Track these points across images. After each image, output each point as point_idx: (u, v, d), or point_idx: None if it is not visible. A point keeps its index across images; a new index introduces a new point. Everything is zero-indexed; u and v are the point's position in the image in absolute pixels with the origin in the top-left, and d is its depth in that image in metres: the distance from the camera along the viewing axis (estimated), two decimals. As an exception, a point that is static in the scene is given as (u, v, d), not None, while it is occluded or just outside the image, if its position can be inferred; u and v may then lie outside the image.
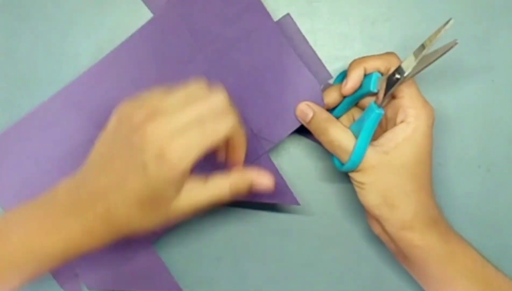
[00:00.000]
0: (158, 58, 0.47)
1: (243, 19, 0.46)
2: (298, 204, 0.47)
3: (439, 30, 0.40)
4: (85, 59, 0.48)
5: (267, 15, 0.46)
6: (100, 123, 0.46)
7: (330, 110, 0.46)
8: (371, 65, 0.43)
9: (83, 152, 0.46)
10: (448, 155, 0.49)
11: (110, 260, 0.47)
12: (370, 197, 0.42)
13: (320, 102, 0.45)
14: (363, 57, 0.43)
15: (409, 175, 0.41)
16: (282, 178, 0.47)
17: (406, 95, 0.42)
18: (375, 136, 0.42)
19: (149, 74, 0.47)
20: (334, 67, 0.49)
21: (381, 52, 0.44)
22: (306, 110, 0.44)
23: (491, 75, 0.49)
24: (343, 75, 0.46)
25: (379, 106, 0.42)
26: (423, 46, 0.41)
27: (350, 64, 0.44)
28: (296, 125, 0.46)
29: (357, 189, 0.43)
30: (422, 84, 0.49)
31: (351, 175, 0.43)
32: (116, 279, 0.47)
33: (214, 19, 0.46)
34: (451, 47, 0.41)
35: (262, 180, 0.41)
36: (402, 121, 0.42)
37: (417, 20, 0.49)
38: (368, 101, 0.44)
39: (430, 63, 0.41)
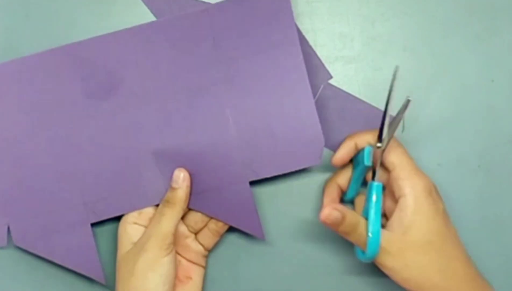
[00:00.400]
0: (175, 52, 0.46)
1: (274, 53, 0.46)
2: (263, 238, 0.46)
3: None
4: (85, 59, 0.49)
5: (300, 57, 0.46)
6: (91, 92, 0.46)
7: (343, 194, 0.47)
8: (362, 139, 0.44)
9: (64, 110, 0.46)
10: (448, 155, 0.49)
11: (45, 225, 0.46)
12: (407, 279, 0.41)
13: (316, 161, 0.45)
14: (355, 132, 0.45)
15: (435, 250, 0.40)
16: (255, 209, 0.46)
17: (397, 167, 0.42)
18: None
19: (159, 64, 0.47)
20: (334, 67, 0.49)
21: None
22: (335, 214, 0.40)
23: (491, 75, 0.49)
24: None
25: (376, 180, 0.42)
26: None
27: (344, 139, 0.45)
28: (288, 169, 0.46)
29: (392, 277, 0.41)
30: (421, 84, 0.49)
31: (379, 263, 0.41)
32: (45, 245, 0.46)
33: (246, 40, 0.46)
34: (407, 105, 0.41)
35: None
36: (400, 196, 0.41)
37: (417, 20, 0.49)
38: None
39: (397, 126, 0.42)
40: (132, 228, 0.46)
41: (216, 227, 0.47)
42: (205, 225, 0.47)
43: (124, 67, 0.47)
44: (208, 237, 0.47)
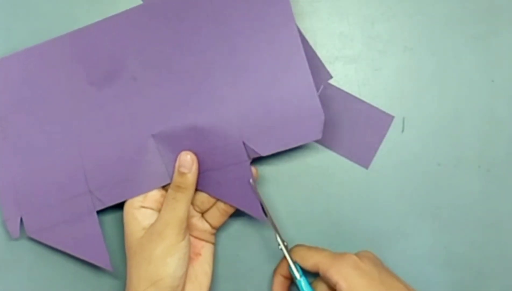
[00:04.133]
0: (173, 33, 0.46)
1: (270, 30, 0.45)
2: (263, 218, 0.45)
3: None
4: (85, 59, 0.49)
5: (296, 33, 0.45)
6: (94, 78, 0.47)
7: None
8: (284, 270, 0.46)
9: (68, 100, 0.47)
10: (448, 155, 0.49)
11: (54, 216, 0.47)
12: None
13: (317, 135, 0.45)
14: (276, 267, 0.47)
15: None
16: (254, 189, 0.45)
17: (318, 264, 0.43)
18: None
19: (158, 47, 0.46)
20: (334, 67, 0.49)
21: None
22: None
23: (491, 75, 0.49)
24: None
25: (297, 276, 0.44)
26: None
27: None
28: (289, 145, 0.45)
29: None
30: (421, 84, 0.49)
31: None
32: (54, 235, 0.47)
33: (244, 17, 0.46)
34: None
35: None
36: (335, 285, 0.42)
37: (417, 20, 0.49)
38: None
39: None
40: (139, 212, 0.45)
41: (225, 206, 0.46)
42: (212, 206, 0.47)
43: (124, 52, 0.47)
44: (216, 216, 0.47)
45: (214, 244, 0.48)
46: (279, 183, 0.49)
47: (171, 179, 0.46)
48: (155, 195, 0.46)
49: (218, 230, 0.48)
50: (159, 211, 0.45)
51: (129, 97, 0.47)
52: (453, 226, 0.48)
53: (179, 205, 0.44)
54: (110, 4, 0.49)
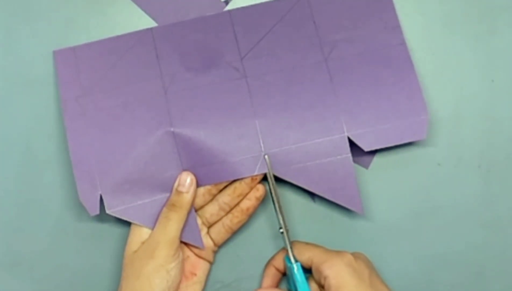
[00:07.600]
0: (274, 35, 0.48)
1: (375, 35, 0.48)
2: (362, 212, 0.46)
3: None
4: (85, 59, 0.48)
5: (402, 38, 0.47)
6: (190, 64, 0.48)
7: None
8: (278, 261, 0.47)
9: (160, 82, 0.48)
10: (448, 155, 0.49)
11: (137, 192, 0.46)
12: None
13: (422, 135, 0.46)
14: (271, 258, 0.48)
15: None
16: (355, 182, 0.46)
17: (313, 257, 0.44)
18: None
19: (258, 45, 0.48)
20: (334, 67, 0.49)
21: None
22: None
23: (491, 75, 0.49)
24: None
25: (293, 260, 0.44)
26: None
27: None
28: (393, 143, 0.46)
29: None
30: (421, 84, 0.49)
31: None
32: (135, 211, 0.46)
33: (346, 23, 0.48)
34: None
35: None
36: (325, 279, 0.42)
37: (417, 20, 0.49)
38: None
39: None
40: None
41: (231, 223, 0.47)
42: (218, 220, 0.47)
43: (224, 44, 0.48)
44: (220, 233, 0.47)
45: (212, 263, 0.48)
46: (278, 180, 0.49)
47: (259, 170, 0.46)
48: None
49: (219, 247, 0.48)
50: None
51: (229, 84, 0.47)
52: (453, 226, 0.48)
53: (171, 224, 0.44)
54: (108, 4, 0.50)
